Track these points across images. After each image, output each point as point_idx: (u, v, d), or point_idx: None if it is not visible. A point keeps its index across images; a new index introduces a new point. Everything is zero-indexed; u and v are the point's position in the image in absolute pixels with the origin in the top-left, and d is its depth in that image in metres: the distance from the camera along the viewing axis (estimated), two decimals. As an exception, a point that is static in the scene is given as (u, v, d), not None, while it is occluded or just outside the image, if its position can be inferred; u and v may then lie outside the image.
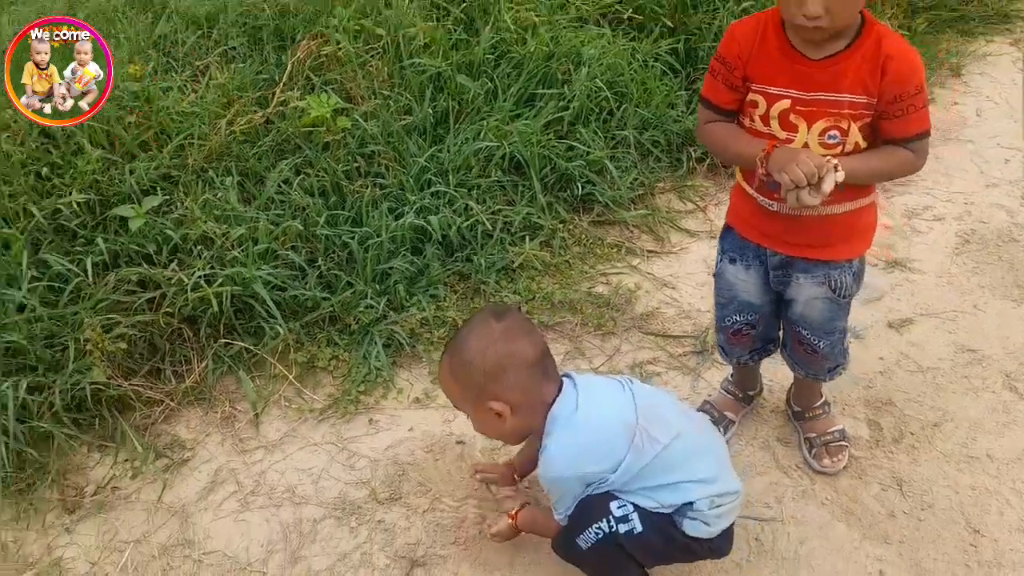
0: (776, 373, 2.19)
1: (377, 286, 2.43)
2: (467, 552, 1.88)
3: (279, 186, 2.58)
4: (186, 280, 2.29)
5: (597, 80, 2.85)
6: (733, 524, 1.66)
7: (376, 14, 2.98)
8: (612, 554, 1.56)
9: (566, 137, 2.80)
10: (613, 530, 1.54)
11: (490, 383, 1.58)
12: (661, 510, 1.57)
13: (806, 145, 1.55)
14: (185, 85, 2.81)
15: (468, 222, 2.55)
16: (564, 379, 1.64)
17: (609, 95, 2.86)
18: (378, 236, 2.46)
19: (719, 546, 1.64)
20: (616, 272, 2.56)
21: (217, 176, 2.55)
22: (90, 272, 2.33)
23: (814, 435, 2.00)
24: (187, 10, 3.02)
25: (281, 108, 2.77)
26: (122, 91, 2.70)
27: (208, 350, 2.33)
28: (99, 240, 2.39)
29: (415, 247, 2.53)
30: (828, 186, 1.46)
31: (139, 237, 2.40)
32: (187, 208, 2.46)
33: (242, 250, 2.38)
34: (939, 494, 1.92)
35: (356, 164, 2.65)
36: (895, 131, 1.56)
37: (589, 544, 1.56)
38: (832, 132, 1.55)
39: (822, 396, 2.04)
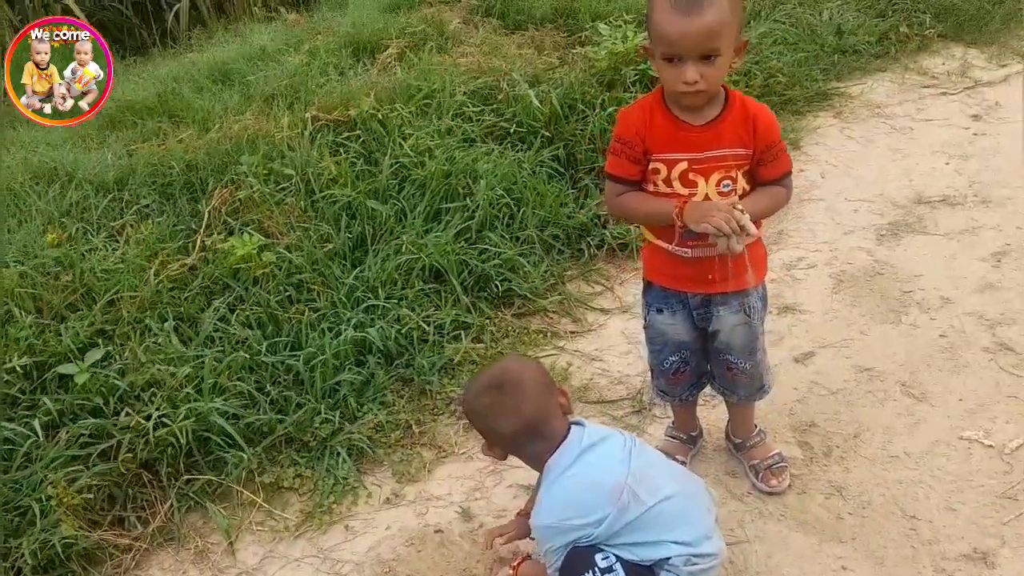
0: (710, 416, 2.41)
1: (329, 400, 2.53)
2: (469, 628, 1.97)
3: (216, 324, 2.67)
4: (143, 423, 2.34)
5: (497, 189, 3.12)
6: None
7: (281, 157, 3.18)
8: None
9: (476, 243, 3.04)
10: None
11: (487, 436, 1.81)
12: (641, 563, 1.71)
13: (707, 196, 1.84)
14: (104, 245, 2.89)
15: (404, 329, 2.71)
16: (575, 426, 1.80)
17: (509, 200, 3.13)
18: (322, 354, 2.58)
19: None
20: (547, 355, 2.77)
21: (154, 323, 2.63)
22: (39, 432, 2.34)
23: (757, 461, 2.22)
24: (95, 177, 3.13)
25: (203, 253, 2.89)
26: (43, 258, 2.77)
27: (171, 489, 2.35)
28: (45, 400, 2.40)
29: (358, 360, 2.66)
30: (752, 229, 1.74)
31: (85, 392, 2.43)
32: (129, 357, 2.52)
33: (194, 387, 2.45)
34: (874, 492, 2.15)
35: (288, 293, 2.78)
36: (770, 173, 1.90)
37: None
38: (725, 181, 1.86)
39: (756, 425, 2.27)
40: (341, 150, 3.27)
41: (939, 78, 4.18)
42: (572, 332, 2.88)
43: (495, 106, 3.58)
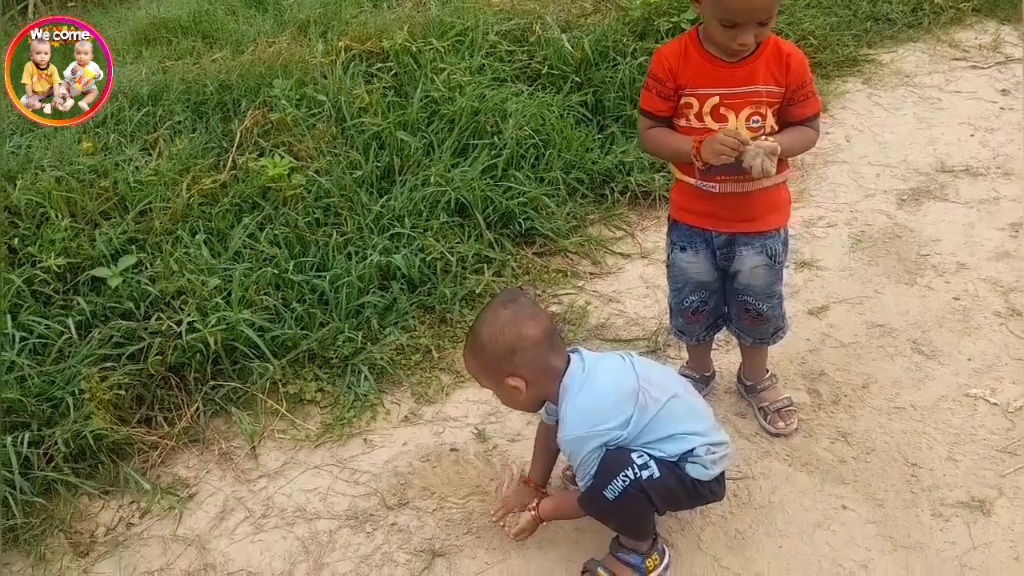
0: (723, 360, 2.48)
1: (352, 321, 2.60)
2: (481, 540, 2.05)
3: (245, 240, 2.73)
4: (174, 327, 2.41)
5: (525, 129, 3.15)
6: (724, 473, 1.90)
7: (313, 83, 3.21)
8: (636, 500, 1.76)
9: (502, 180, 3.08)
10: (637, 476, 1.75)
11: (504, 364, 1.80)
12: (668, 458, 1.80)
13: (737, 129, 1.89)
14: (138, 156, 2.94)
15: (428, 258, 2.77)
16: (573, 354, 1.87)
17: (537, 141, 3.16)
18: (347, 276, 2.64)
19: (717, 490, 1.88)
20: (566, 293, 2.82)
21: (185, 235, 2.69)
22: (73, 331, 2.41)
23: (766, 404, 2.29)
24: (130, 90, 3.17)
25: (235, 171, 2.94)
26: (78, 165, 2.82)
27: (197, 393, 2.43)
28: (79, 300, 2.47)
29: (381, 284, 2.72)
30: (771, 145, 1.80)
31: (117, 295, 2.50)
32: (161, 265, 2.58)
33: (223, 298, 2.51)
34: (878, 440, 2.22)
35: (316, 216, 2.84)
36: (800, 113, 1.95)
37: (616, 493, 1.76)
38: (755, 117, 1.91)
39: (768, 370, 2.34)
40: (374, 79, 3.30)
41: (970, 51, 4.18)
42: (591, 273, 2.93)
43: (527, 48, 3.60)
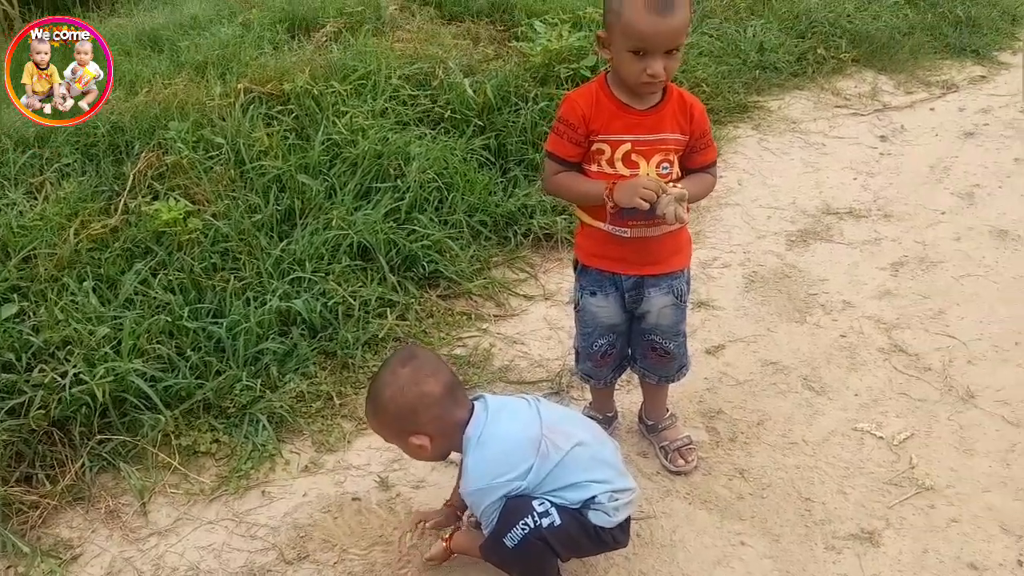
0: (625, 399, 2.51)
1: (251, 368, 2.53)
2: (383, 591, 2.01)
3: (136, 287, 2.64)
4: (58, 379, 2.30)
5: (428, 172, 3.16)
6: (629, 519, 1.91)
7: (211, 125, 3.15)
8: (536, 548, 1.76)
9: (405, 223, 3.07)
10: (537, 524, 1.75)
11: (408, 422, 1.79)
12: (571, 506, 1.80)
13: (649, 175, 1.94)
14: (22, 201, 2.82)
15: (330, 303, 2.73)
16: (476, 402, 1.86)
17: (440, 184, 3.17)
18: (245, 322, 2.58)
19: (620, 537, 1.88)
20: (470, 336, 2.82)
21: (72, 282, 2.58)
22: (-54, 385, 2.27)
23: (667, 443, 2.33)
24: (14, 132, 3.04)
25: (126, 216, 2.84)
26: (-44, 210, 2.69)
27: (83, 449, 2.31)
28: (-47, 353, 2.34)
29: (281, 330, 2.66)
30: (680, 192, 1.86)
31: (-4, 346, 2.37)
32: (45, 314, 2.46)
33: (112, 347, 2.41)
34: (773, 476, 2.28)
35: (212, 260, 2.76)
36: (701, 160, 2.03)
37: (515, 542, 1.75)
38: (664, 164, 1.97)
39: (668, 409, 2.38)
40: (274, 122, 3.26)
41: (851, 99, 4.42)
42: (496, 316, 2.94)
43: (430, 92, 3.63)
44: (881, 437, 2.38)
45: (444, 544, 1.95)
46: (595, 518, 1.82)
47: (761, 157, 3.94)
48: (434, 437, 1.81)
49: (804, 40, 4.80)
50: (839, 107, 4.36)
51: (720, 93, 4.27)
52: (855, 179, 3.73)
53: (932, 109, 4.33)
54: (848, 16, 4.95)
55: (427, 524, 2.06)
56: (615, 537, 1.88)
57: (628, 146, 1.94)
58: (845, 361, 2.68)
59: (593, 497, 1.82)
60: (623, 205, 1.88)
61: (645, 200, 1.83)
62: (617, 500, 1.84)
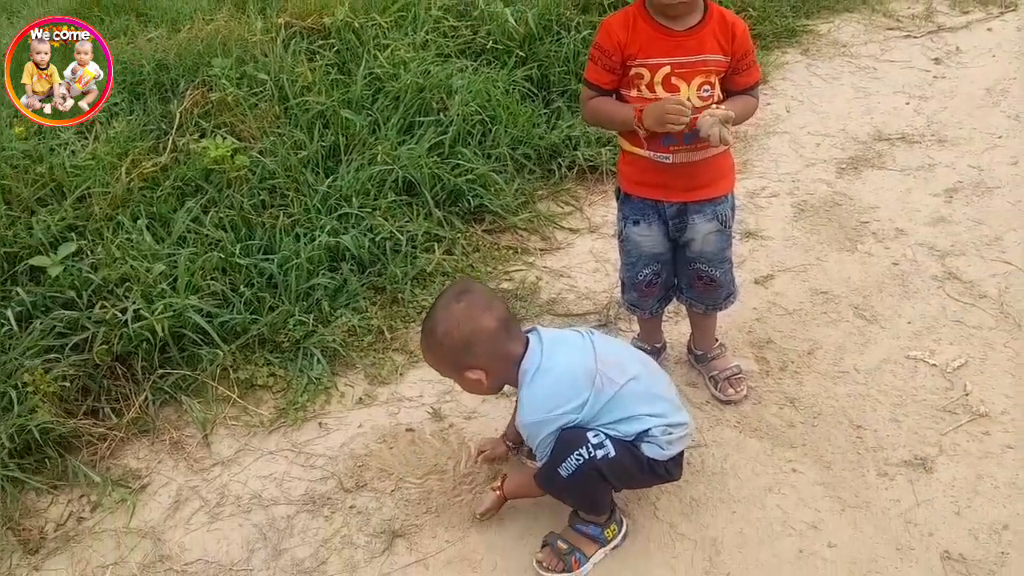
0: (673, 331, 2.52)
1: (303, 304, 2.57)
2: (440, 518, 2.06)
3: (189, 224, 2.68)
4: (119, 316, 2.36)
5: (471, 106, 3.14)
6: (683, 453, 1.93)
7: (254, 61, 3.15)
8: (590, 478, 1.79)
9: (449, 158, 3.06)
10: (592, 455, 1.77)
11: (463, 357, 1.80)
12: (624, 438, 1.82)
13: (688, 100, 1.90)
14: (74, 141, 2.85)
15: (377, 238, 2.75)
16: (531, 335, 1.87)
17: (483, 117, 3.15)
18: (296, 258, 2.61)
19: (673, 470, 1.91)
20: (516, 270, 2.83)
21: (127, 220, 2.62)
22: (13, 323, 2.34)
23: (716, 372, 2.33)
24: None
25: (175, 154, 2.87)
26: (11, 150, 2.73)
27: (145, 383, 2.39)
28: (18, 291, 2.40)
29: (331, 266, 2.69)
30: (725, 113, 1.83)
31: (58, 284, 2.44)
32: (102, 252, 2.52)
33: (168, 284, 2.46)
34: (824, 404, 2.28)
35: (261, 197, 2.79)
36: (743, 82, 1.99)
37: (570, 471, 1.79)
38: (705, 86, 1.93)
39: (717, 339, 2.38)
40: (316, 57, 3.24)
41: (903, 21, 4.27)
42: (541, 249, 2.94)
43: (471, 23, 3.58)
44: (935, 364, 2.36)
45: (497, 494, 1.99)
46: (648, 451, 1.84)
47: (810, 83, 3.84)
48: (489, 371, 1.82)
49: (855, -41, 4.62)
50: (891, 29, 4.22)
51: (767, 17, 4.16)
52: (907, 103, 3.63)
53: (989, 29, 4.17)
54: (901, -68, 4.74)
55: (482, 456, 2.11)
56: (668, 470, 1.90)
57: (667, 69, 1.91)
58: (897, 289, 2.64)
59: (647, 430, 1.84)
60: (653, 130, 1.85)
61: (674, 124, 1.81)
62: (671, 434, 1.86)
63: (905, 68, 3.90)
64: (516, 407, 1.88)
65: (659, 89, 1.94)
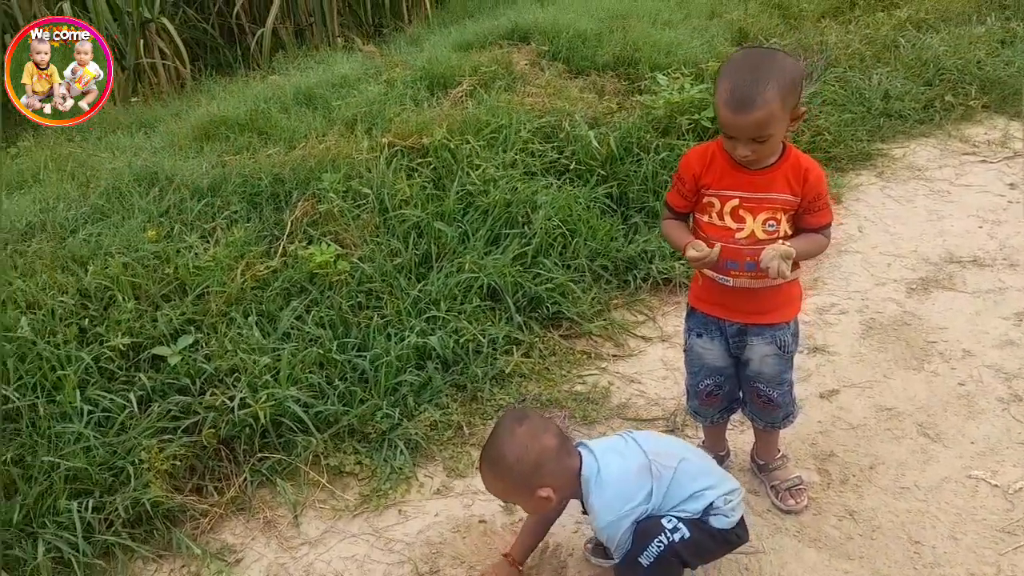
0: (738, 439, 2.63)
1: (390, 398, 2.79)
2: (506, 606, 2.19)
3: (292, 322, 2.96)
4: (227, 403, 2.62)
5: (553, 220, 3.38)
6: (744, 518, 2.07)
7: (359, 177, 3.48)
8: (670, 563, 1.94)
9: (531, 267, 3.29)
10: (671, 539, 1.93)
11: (535, 479, 1.98)
12: (693, 516, 1.97)
13: (753, 232, 2.08)
14: (197, 244, 3.20)
15: (461, 340, 2.97)
16: (581, 449, 2.06)
17: (564, 231, 3.39)
18: (386, 356, 2.85)
19: (741, 534, 2.06)
20: (590, 374, 3.00)
21: (239, 316, 2.92)
22: (135, 405, 2.63)
23: (778, 482, 2.43)
24: (191, 183, 3.45)
25: (285, 258, 3.18)
26: (143, 252, 3.08)
27: (245, 464, 2.62)
28: (140, 377, 2.70)
29: (418, 364, 2.92)
30: (786, 250, 2.01)
31: (175, 372, 2.72)
32: (216, 345, 2.80)
33: (271, 375, 2.73)
34: (883, 519, 2.35)
35: (358, 299, 3.06)
36: (815, 221, 2.13)
37: (652, 559, 1.93)
38: (771, 221, 2.10)
39: (780, 450, 2.48)
40: (415, 174, 3.56)
41: (980, 146, 4.38)
42: (614, 355, 3.11)
43: (556, 144, 3.86)
44: (996, 485, 2.41)
45: None
46: (716, 522, 1.99)
47: (883, 204, 3.97)
48: (557, 487, 1.99)
49: (931, 87, 4.78)
50: (967, 154, 4.33)
51: (843, 141, 4.32)
52: (981, 227, 3.71)
53: (1067, 155, 4.24)
54: (978, 62, 4.90)
55: None
56: (738, 535, 2.05)
57: (736, 201, 2.10)
58: (963, 409, 2.70)
59: (711, 504, 1.99)
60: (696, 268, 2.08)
61: (694, 263, 2.07)
62: (731, 501, 2.01)
63: (980, 192, 3.99)
64: (589, 514, 2.03)
65: (727, 218, 2.12)
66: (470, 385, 2.91)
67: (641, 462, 2.00)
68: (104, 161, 3.79)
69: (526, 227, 3.40)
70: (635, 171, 3.78)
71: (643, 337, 3.20)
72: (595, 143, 3.80)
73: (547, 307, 3.20)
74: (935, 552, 2.23)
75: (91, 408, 2.59)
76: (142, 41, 5.89)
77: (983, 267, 3.43)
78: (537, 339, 3.11)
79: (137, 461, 2.47)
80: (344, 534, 2.46)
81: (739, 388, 2.37)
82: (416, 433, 2.71)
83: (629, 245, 3.52)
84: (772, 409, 2.33)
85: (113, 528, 2.39)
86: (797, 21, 5.52)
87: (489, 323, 3.10)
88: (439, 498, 2.55)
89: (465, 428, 2.77)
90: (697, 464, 2.06)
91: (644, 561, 1.93)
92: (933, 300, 3.26)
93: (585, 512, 2.07)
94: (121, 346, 2.73)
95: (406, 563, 2.34)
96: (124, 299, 2.90)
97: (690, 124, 3.98)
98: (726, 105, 1.96)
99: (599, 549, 2.23)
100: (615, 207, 3.71)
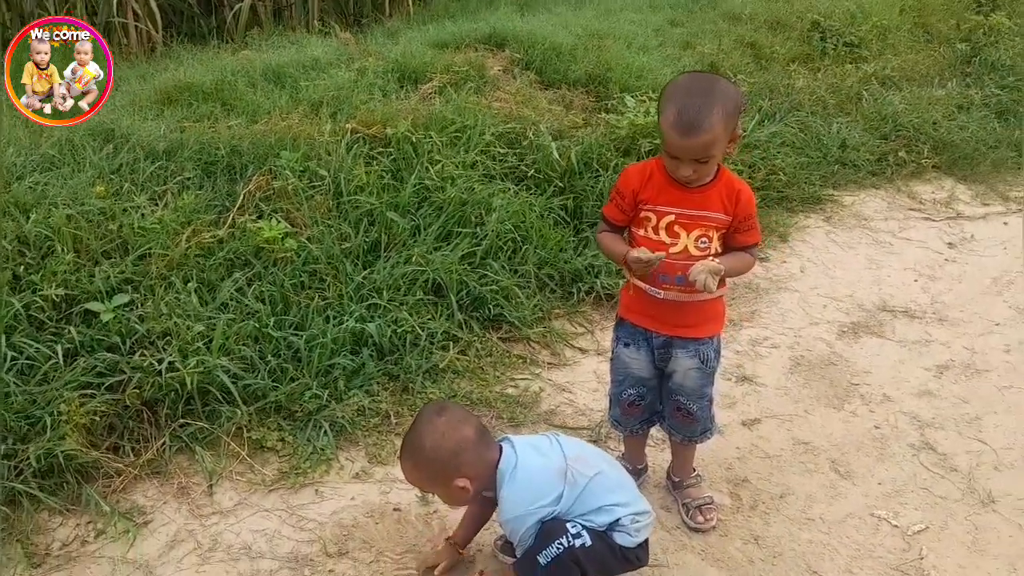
0: (658, 456, 2.68)
1: (321, 379, 2.80)
2: (409, 595, 2.21)
3: (232, 293, 2.95)
4: (155, 365, 2.60)
5: (506, 224, 3.42)
6: (648, 541, 2.11)
7: (318, 158, 3.49)
8: (567, 566, 1.96)
9: (478, 268, 3.32)
10: (571, 544, 1.96)
11: (451, 468, 2.01)
12: (598, 528, 2.01)
13: (686, 247, 2.16)
14: (145, 205, 3.17)
15: (399, 330, 2.99)
16: (503, 443, 2.09)
17: (516, 236, 3.43)
18: (322, 337, 2.85)
19: (642, 556, 2.09)
20: (523, 378, 3.04)
21: (178, 282, 2.90)
22: (61, 357, 2.60)
23: (690, 500, 2.48)
24: (148, 144, 3.43)
25: (233, 229, 3.17)
26: (89, 206, 3.05)
27: (166, 429, 2.61)
28: (70, 330, 2.67)
29: (353, 349, 2.92)
30: (716, 266, 2.08)
31: (106, 329, 2.70)
32: (151, 307, 2.78)
33: (204, 343, 2.71)
34: (786, 546, 2.41)
35: (301, 279, 3.06)
36: (744, 240, 2.21)
37: (550, 559, 1.96)
38: (703, 239, 2.17)
39: (695, 470, 2.54)
40: (374, 163, 3.57)
41: (926, 204, 4.52)
42: (549, 363, 3.15)
43: (518, 151, 3.90)
44: (896, 526, 2.49)
45: None
46: (620, 539, 2.02)
47: (827, 248, 4.08)
48: (474, 478, 2.02)
49: (887, 141, 4.93)
50: (912, 210, 4.47)
51: (796, 183, 4.43)
52: (916, 280, 3.84)
53: (1006, 223, 4.39)
54: (934, 123, 5.06)
55: (438, 571, 2.23)
56: (638, 556, 2.08)
57: (672, 217, 2.16)
58: (875, 451, 2.79)
59: (617, 520, 2.02)
60: (634, 275, 2.15)
61: (632, 266, 2.14)
62: (639, 522, 2.05)
63: (920, 247, 4.13)
64: (498, 505, 2.06)
65: (662, 233, 2.18)
66: (403, 376, 2.92)
67: (559, 465, 2.03)
68: (61, 112, 3.74)
69: (478, 228, 3.44)
70: (592, 186, 3.83)
71: (580, 348, 3.24)
72: (556, 154, 3.85)
73: (489, 308, 3.23)
74: (830, 583, 2.30)
75: (15, 355, 2.56)
76: (116, 0, 5.82)
77: (913, 318, 3.54)
78: (476, 338, 3.14)
79: (56, 413, 2.44)
80: (257, 508, 2.45)
81: (660, 401, 2.42)
82: (343, 416, 2.72)
83: (577, 258, 3.57)
84: (691, 423, 2.39)
85: (22, 476, 2.36)
86: (768, 62, 5.65)
87: (430, 317, 3.12)
88: (357, 482, 2.56)
89: (392, 417, 2.78)
90: (614, 479, 2.09)
91: (542, 560, 1.96)
92: (861, 344, 3.36)
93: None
94: (55, 297, 2.70)
95: (316, 542, 2.34)
96: (63, 250, 2.87)
97: (650, 147, 4.04)
98: (673, 128, 2.03)
99: (508, 547, 2.25)
100: (568, 219, 3.76)
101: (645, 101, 4.31)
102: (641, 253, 2.12)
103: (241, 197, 3.28)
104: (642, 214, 2.21)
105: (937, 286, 3.80)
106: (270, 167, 3.40)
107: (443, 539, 2.27)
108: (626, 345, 2.34)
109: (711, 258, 2.14)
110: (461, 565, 2.27)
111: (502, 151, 3.85)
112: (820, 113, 5.05)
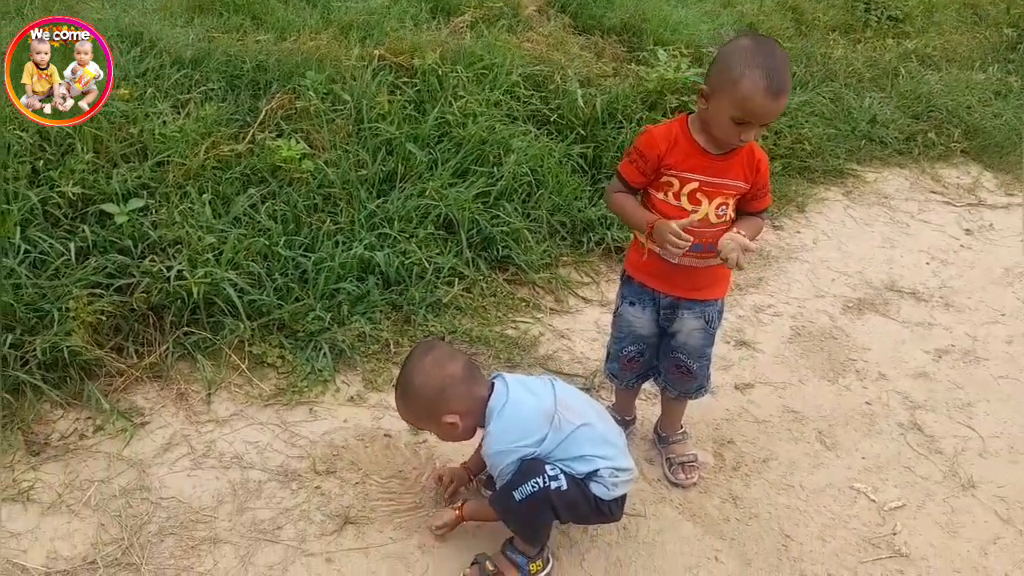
0: (647, 410, 2.72)
1: (325, 302, 2.84)
2: (390, 518, 2.27)
3: (246, 208, 2.97)
4: (164, 271, 2.64)
5: (523, 167, 3.42)
6: (625, 496, 2.15)
7: (343, 82, 3.48)
8: (540, 505, 2.01)
9: (492, 208, 3.33)
10: (546, 484, 2.00)
11: (439, 403, 2.06)
12: (576, 475, 2.05)
13: (707, 216, 2.15)
14: (168, 112, 3.19)
15: (407, 262, 3.01)
16: (496, 380, 2.12)
17: (532, 180, 3.43)
18: (330, 261, 2.88)
19: (615, 510, 2.13)
20: (524, 321, 3.07)
21: (193, 192, 2.93)
22: (73, 254, 2.64)
23: (674, 456, 2.53)
24: (175, 51, 3.42)
25: (252, 145, 3.19)
26: (112, 108, 3.07)
27: (170, 335, 2.66)
28: (84, 228, 2.71)
29: (359, 276, 2.96)
30: (749, 243, 2.08)
31: (119, 232, 2.74)
32: (165, 214, 2.82)
33: (213, 255, 2.75)
34: (763, 509, 2.46)
35: (315, 201, 3.08)
36: (757, 206, 2.23)
37: (524, 496, 2.00)
38: (723, 206, 2.17)
39: (683, 427, 2.58)
40: (397, 92, 3.56)
41: (948, 188, 4.48)
42: (552, 309, 3.18)
43: (544, 94, 3.88)
44: (874, 500, 2.53)
45: (456, 513, 2.20)
46: (596, 489, 2.06)
47: (843, 222, 4.06)
48: (463, 414, 2.07)
49: (918, 121, 4.86)
50: (934, 192, 4.42)
51: (820, 154, 4.39)
52: (928, 263, 3.82)
53: (1027, 214, 4.35)
54: (969, 107, 4.98)
55: (445, 479, 2.33)
56: (611, 509, 2.11)
57: (695, 184, 2.15)
58: (863, 426, 2.82)
59: (596, 470, 2.06)
60: (656, 246, 2.14)
61: (670, 254, 2.11)
62: (617, 477, 2.08)
63: (936, 231, 4.10)
64: (483, 439, 2.11)
65: (684, 200, 2.16)
66: (406, 306, 2.96)
67: (547, 407, 2.07)
68: (92, 11, 3.73)
69: (495, 168, 3.43)
70: (614, 137, 3.81)
71: (583, 298, 3.27)
72: (581, 101, 3.82)
73: (498, 249, 3.25)
74: (801, 548, 2.34)
75: (28, 248, 2.60)
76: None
77: (920, 300, 3.54)
78: (481, 277, 3.17)
79: (64, 308, 2.50)
80: (252, 420, 2.52)
81: (657, 357, 2.45)
82: (343, 340, 2.76)
83: (591, 207, 3.57)
84: (689, 379, 2.42)
85: (28, 367, 2.43)
86: (808, 28, 5.55)
87: (438, 252, 3.14)
88: (351, 406, 2.62)
89: (392, 346, 2.83)
90: (600, 432, 2.11)
91: (517, 495, 2.01)
92: (864, 321, 3.37)
93: None
94: (71, 194, 2.74)
95: (305, 458, 2.41)
96: (83, 150, 2.90)
97: (677, 104, 4.01)
98: (765, 92, 1.97)
99: (491, 482, 2.31)
100: (587, 168, 3.75)
101: (677, 56, 4.25)
102: (679, 237, 2.06)
103: (263, 114, 3.28)
104: (664, 178, 2.18)
105: (948, 271, 3.79)
106: (294, 86, 3.40)
107: (446, 474, 2.35)
108: (632, 304, 2.35)
109: (735, 230, 2.12)
110: (469, 487, 2.36)
111: (527, 93, 3.83)
112: (854, 86, 4.98)
